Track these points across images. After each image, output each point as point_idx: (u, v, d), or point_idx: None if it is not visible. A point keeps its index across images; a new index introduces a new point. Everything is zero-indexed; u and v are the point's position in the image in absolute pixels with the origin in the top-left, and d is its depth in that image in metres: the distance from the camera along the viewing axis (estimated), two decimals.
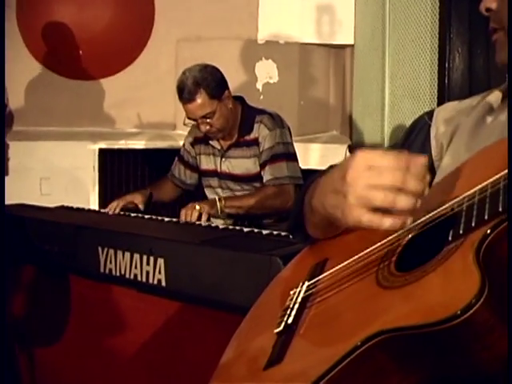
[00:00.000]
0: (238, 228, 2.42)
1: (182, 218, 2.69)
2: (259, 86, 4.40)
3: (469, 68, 3.64)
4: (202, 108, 2.79)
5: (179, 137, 4.37)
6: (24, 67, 4.30)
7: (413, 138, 1.25)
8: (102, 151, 4.25)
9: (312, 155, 4.38)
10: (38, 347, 2.54)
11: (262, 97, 4.39)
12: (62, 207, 2.95)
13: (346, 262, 1.02)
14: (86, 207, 3.03)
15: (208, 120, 2.82)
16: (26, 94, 4.34)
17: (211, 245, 2.05)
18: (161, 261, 2.11)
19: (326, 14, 4.38)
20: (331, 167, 1.31)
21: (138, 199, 2.98)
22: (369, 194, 0.89)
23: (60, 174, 4.19)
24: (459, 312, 0.71)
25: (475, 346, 0.73)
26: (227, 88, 2.89)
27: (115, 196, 4.23)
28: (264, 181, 2.89)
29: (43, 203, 3.94)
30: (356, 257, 1.02)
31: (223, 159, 3.01)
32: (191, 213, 2.71)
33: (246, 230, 2.37)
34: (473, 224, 0.82)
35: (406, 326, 0.75)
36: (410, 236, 0.95)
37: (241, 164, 2.97)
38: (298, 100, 4.47)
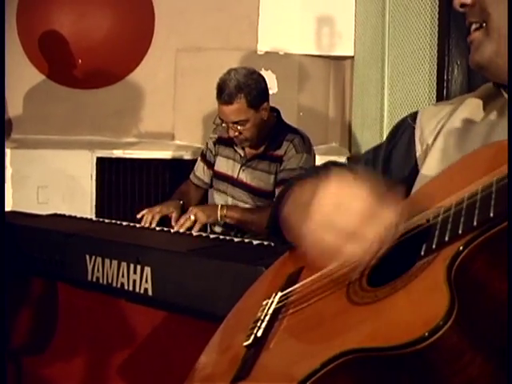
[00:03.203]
0: (228, 238, 2.40)
1: (176, 228, 2.64)
2: None
3: (468, 80, 3.62)
4: (237, 114, 2.73)
5: (177, 147, 4.37)
6: (23, 75, 4.30)
7: (397, 139, 1.22)
8: (99, 160, 4.24)
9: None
10: (25, 356, 2.52)
11: None
12: (54, 215, 2.93)
13: (319, 273, 0.98)
14: (78, 215, 3.01)
15: (239, 127, 2.76)
16: (25, 102, 4.34)
17: (197, 254, 2.02)
18: (148, 270, 2.08)
19: (325, 25, 4.37)
20: (331, 163, 1.29)
21: (174, 213, 2.86)
22: (322, 233, 0.87)
23: (57, 183, 4.18)
24: (426, 334, 0.66)
25: (444, 372, 0.68)
26: (267, 99, 2.83)
27: (112, 205, 4.27)
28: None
29: (40, 211, 3.94)
30: (330, 267, 0.97)
31: (243, 168, 2.94)
32: (184, 222, 2.66)
33: (236, 239, 2.35)
34: (446, 238, 0.77)
35: (368, 348, 0.71)
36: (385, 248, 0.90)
37: (261, 177, 2.89)
38: (297, 111, 4.46)
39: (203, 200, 3.31)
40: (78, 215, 2.97)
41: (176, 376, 2.08)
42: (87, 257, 2.24)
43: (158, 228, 2.64)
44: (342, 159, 4.44)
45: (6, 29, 4.07)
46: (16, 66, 4.23)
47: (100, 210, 4.24)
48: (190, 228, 2.65)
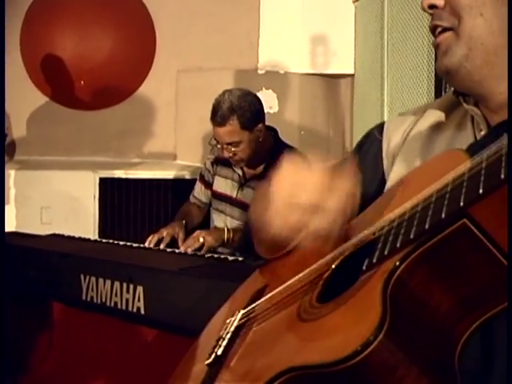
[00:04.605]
0: (222, 257, 2.41)
1: (182, 249, 2.64)
2: None
3: None
4: (231, 135, 2.73)
5: (179, 167, 4.39)
6: (27, 98, 4.36)
7: (364, 152, 1.20)
8: (102, 180, 4.27)
9: None
10: (21, 374, 2.54)
11: None
12: (53, 235, 2.96)
13: (278, 289, 0.99)
14: (81, 235, 3.03)
15: (233, 148, 2.76)
16: (28, 123, 4.39)
17: (188, 273, 2.04)
18: (140, 289, 2.10)
19: (322, 44, 4.40)
20: None
21: (180, 233, 2.84)
22: (285, 214, 0.88)
23: (61, 203, 4.21)
24: (359, 348, 0.66)
25: None
26: (262, 121, 2.83)
27: (115, 225, 4.29)
28: None
29: (43, 232, 3.95)
30: (288, 283, 0.98)
31: (242, 188, 2.94)
32: (192, 244, 2.68)
33: (230, 258, 2.36)
34: (386, 252, 0.76)
35: (305, 366, 0.71)
36: (335, 263, 0.90)
37: None
38: (299, 130, 4.48)
39: (205, 219, 3.31)
40: (80, 235, 2.99)
41: None
42: (82, 276, 2.26)
43: (153, 247, 2.65)
44: None
45: (9, 51, 4.14)
46: (19, 89, 4.29)
47: (103, 230, 4.25)
48: (199, 249, 2.66)
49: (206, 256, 2.43)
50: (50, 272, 2.38)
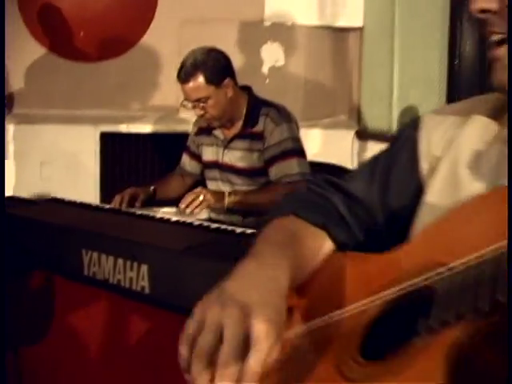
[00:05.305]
0: (229, 229, 2.33)
1: (182, 204, 2.67)
2: (265, 69, 4.29)
3: (480, 55, 3.50)
4: (196, 91, 2.73)
5: (182, 121, 4.28)
6: (25, 49, 4.22)
7: (397, 154, 1.08)
8: (103, 135, 4.17)
9: (319, 140, 4.28)
10: (23, 345, 2.50)
11: (267, 80, 4.28)
12: (53, 200, 2.87)
13: (310, 324, 0.90)
14: (80, 196, 2.95)
15: (201, 104, 2.75)
16: (27, 76, 4.26)
17: (193, 253, 1.97)
18: (144, 267, 2.04)
19: None
20: (324, 181, 1.21)
21: (140, 196, 2.89)
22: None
23: (61, 158, 4.12)
24: None
25: None
26: (230, 76, 2.81)
27: (117, 180, 4.22)
28: (273, 178, 2.79)
29: (43, 187, 3.88)
30: (318, 320, 0.89)
31: (226, 150, 2.93)
32: (192, 200, 2.68)
33: (238, 230, 2.29)
34: (449, 318, 0.66)
35: None
36: (378, 310, 0.81)
37: (244, 157, 2.88)
38: (305, 84, 4.36)
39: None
40: (81, 192, 2.94)
41: (170, 373, 2.05)
42: (83, 251, 2.19)
43: (157, 216, 2.57)
44: (351, 133, 4.35)
45: (6, 2, 3.97)
46: (17, 40, 4.14)
47: (104, 185, 4.18)
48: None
49: (212, 227, 2.35)
50: (51, 245, 2.31)
